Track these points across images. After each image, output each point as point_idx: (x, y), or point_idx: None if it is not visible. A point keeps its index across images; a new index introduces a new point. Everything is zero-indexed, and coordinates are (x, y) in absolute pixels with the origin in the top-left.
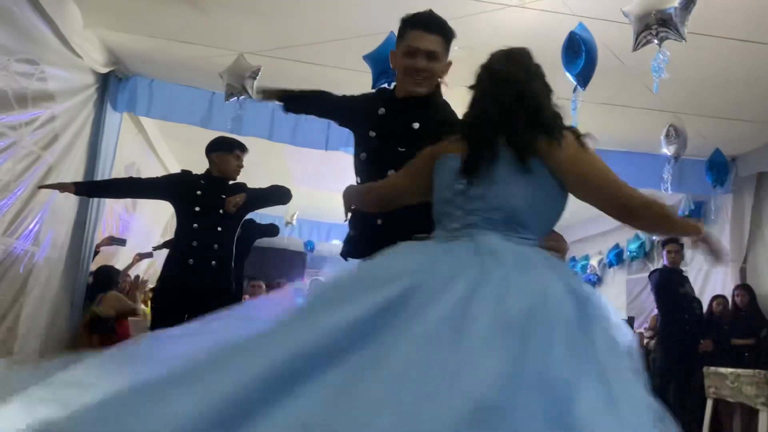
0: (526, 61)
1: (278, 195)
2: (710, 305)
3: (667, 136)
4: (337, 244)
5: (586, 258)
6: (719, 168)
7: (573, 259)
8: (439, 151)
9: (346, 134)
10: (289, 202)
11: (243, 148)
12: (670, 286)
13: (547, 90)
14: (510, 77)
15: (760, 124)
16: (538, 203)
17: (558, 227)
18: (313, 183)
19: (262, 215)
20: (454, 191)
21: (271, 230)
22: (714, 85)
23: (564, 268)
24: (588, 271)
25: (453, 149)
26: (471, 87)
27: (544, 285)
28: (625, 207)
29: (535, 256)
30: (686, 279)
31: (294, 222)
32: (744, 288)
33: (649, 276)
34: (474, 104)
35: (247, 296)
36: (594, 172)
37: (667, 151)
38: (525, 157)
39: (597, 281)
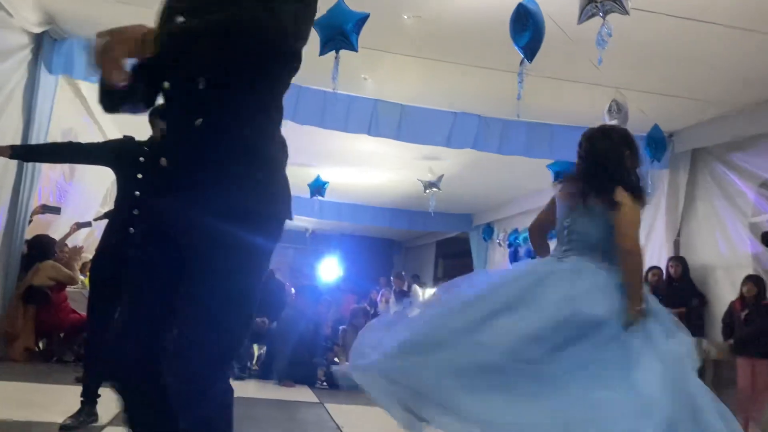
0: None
1: None
2: (645, 276)
3: (609, 111)
4: (312, 220)
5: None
6: (657, 144)
7: (515, 230)
8: None
9: (294, 104)
10: None
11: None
12: None
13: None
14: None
15: (696, 102)
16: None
17: (501, 200)
18: None
19: None
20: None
21: None
22: (655, 61)
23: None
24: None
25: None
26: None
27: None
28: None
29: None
30: None
31: None
32: (677, 260)
33: None
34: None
35: None
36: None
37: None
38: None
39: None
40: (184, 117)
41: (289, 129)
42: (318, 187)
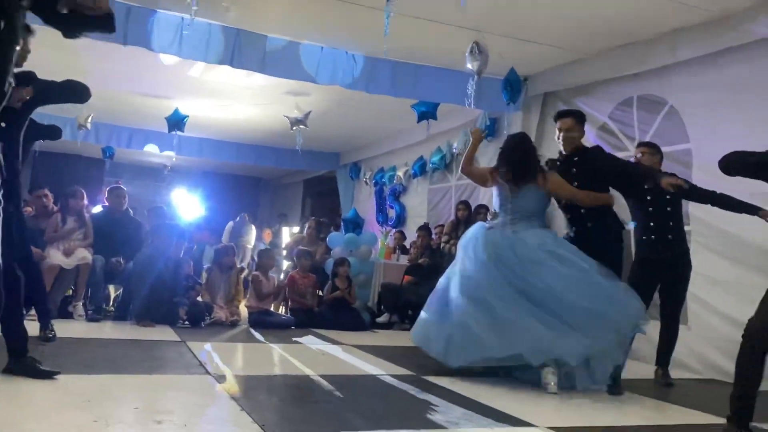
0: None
1: (74, 90)
2: (476, 215)
3: (471, 52)
4: (148, 151)
5: (393, 169)
6: (513, 86)
7: (381, 170)
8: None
9: (149, 29)
10: (89, 99)
11: (28, 29)
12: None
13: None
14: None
15: (550, 47)
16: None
17: (368, 140)
18: (111, 83)
19: (45, 115)
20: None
21: (52, 132)
22: (514, 7)
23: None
24: (395, 181)
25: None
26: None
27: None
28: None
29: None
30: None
31: (89, 125)
32: None
33: None
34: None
35: (29, 208)
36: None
37: (471, 67)
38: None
39: (402, 191)
40: None
41: (143, 57)
42: (177, 121)
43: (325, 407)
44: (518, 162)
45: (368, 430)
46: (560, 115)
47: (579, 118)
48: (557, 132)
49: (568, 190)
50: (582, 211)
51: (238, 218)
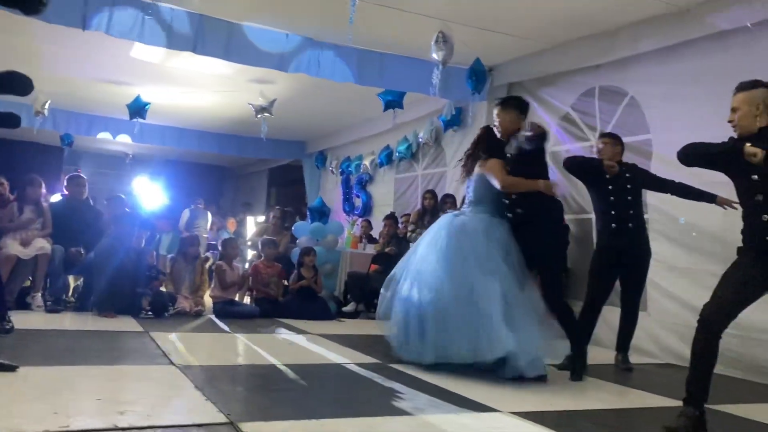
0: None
1: (13, 83)
2: (443, 204)
3: (436, 42)
4: (102, 138)
5: (360, 158)
6: (478, 76)
7: (348, 158)
8: None
9: (108, 14)
10: (32, 92)
11: None
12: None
13: None
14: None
15: (514, 38)
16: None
17: (334, 129)
18: (69, 68)
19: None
20: None
21: (9, 120)
22: None
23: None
24: (361, 170)
25: None
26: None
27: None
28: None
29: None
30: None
31: (46, 111)
32: None
33: None
34: None
35: None
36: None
37: (436, 56)
38: None
39: (369, 180)
40: None
41: (103, 43)
42: (138, 109)
43: (290, 396)
44: (469, 151)
45: (334, 418)
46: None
47: (504, 106)
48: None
49: (493, 174)
50: (513, 197)
51: (192, 206)
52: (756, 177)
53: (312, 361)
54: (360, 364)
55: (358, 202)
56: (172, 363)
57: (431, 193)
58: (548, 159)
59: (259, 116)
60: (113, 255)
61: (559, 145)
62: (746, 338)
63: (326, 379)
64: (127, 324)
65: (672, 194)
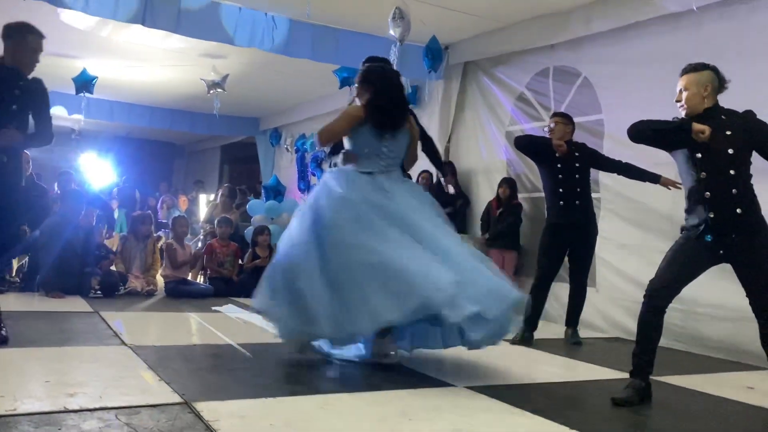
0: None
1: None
2: (417, 179)
3: (393, 18)
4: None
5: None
6: (434, 54)
7: (303, 136)
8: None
9: None
10: None
11: None
12: None
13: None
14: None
15: (470, 16)
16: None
17: (289, 105)
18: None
19: None
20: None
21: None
22: None
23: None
24: (317, 148)
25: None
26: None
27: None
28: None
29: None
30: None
31: None
32: (447, 165)
33: None
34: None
35: None
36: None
37: (393, 33)
38: None
39: (324, 158)
40: None
41: (47, 14)
42: (85, 83)
43: (246, 375)
44: (398, 100)
45: (291, 396)
46: None
47: None
48: None
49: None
50: None
51: (121, 183)
52: (699, 155)
53: (266, 340)
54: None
55: (314, 181)
56: (123, 343)
57: None
58: (504, 138)
59: (211, 92)
60: (60, 233)
61: (515, 125)
62: (689, 312)
63: (281, 358)
64: (75, 304)
65: (619, 174)
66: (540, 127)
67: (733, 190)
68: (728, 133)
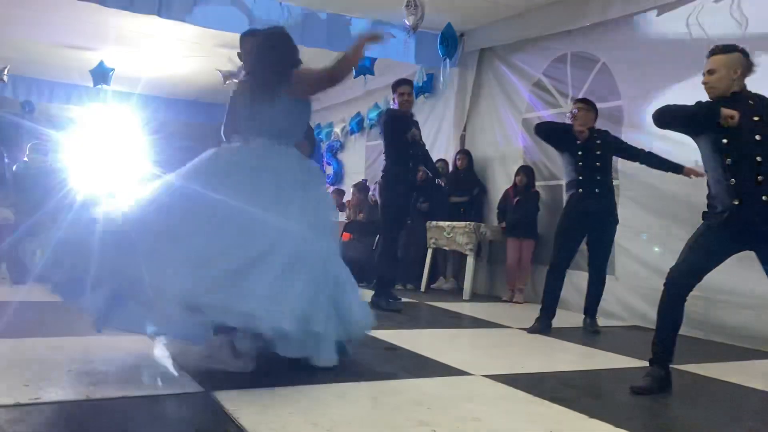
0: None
1: None
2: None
3: (407, 6)
4: (69, 107)
5: (330, 125)
6: (450, 42)
7: (318, 126)
8: None
9: None
10: None
11: None
12: (398, 128)
13: None
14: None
15: (485, 3)
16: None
17: None
18: (28, 32)
19: None
20: None
21: None
22: None
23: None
24: (332, 137)
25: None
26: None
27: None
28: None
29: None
30: (415, 123)
31: (5, 78)
32: (464, 153)
33: (378, 117)
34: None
35: None
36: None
37: (407, 21)
38: None
39: (340, 147)
40: None
41: (64, 6)
42: (102, 74)
43: (266, 364)
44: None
45: (310, 384)
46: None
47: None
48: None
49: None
50: None
51: None
52: (725, 141)
53: None
54: None
55: (330, 170)
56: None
57: None
58: (521, 125)
59: (227, 83)
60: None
61: (532, 112)
62: (711, 300)
63: None
64: None
65: (641, 163)
66: (557, 113)
67: (759, 177)
68: (756, 118)
